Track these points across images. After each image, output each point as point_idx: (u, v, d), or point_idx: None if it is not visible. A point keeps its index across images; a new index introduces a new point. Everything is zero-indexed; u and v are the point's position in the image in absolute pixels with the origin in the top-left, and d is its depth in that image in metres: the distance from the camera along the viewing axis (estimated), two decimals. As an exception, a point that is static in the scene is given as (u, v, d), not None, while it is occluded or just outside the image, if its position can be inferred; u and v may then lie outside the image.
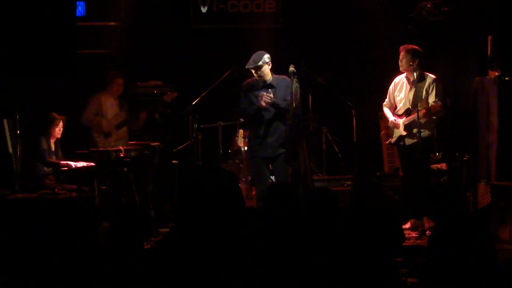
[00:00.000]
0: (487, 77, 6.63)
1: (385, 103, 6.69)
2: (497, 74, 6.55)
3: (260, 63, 6.36)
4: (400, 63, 6.47)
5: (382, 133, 6.67)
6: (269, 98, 6.29)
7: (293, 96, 6.24)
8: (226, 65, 7.29)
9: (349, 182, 7.26)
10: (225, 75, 7.09)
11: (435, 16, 7.48)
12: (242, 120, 7.69)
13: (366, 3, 8.22)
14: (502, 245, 5.62)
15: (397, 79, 6.60)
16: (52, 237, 5.40)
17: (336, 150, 7.80)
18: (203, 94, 6.96)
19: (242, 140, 7.51)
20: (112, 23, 8.21)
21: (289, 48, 8.02)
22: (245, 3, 8.64)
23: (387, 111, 6.66)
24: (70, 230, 5.50)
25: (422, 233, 6.12)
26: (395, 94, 6.60)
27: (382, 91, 8.08)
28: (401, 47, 6.49)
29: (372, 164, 7.79)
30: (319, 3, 8.40)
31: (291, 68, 6.32)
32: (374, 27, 8.12)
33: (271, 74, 6.45)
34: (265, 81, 6.44)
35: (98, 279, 3.33)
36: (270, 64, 6.42)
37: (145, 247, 3.74)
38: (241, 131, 7.55)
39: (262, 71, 6.38)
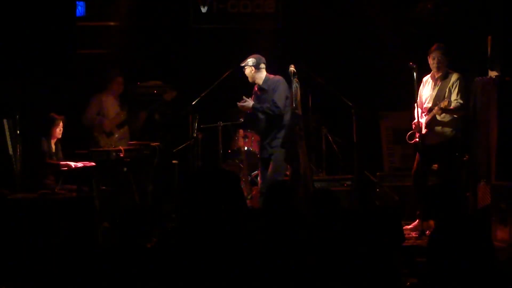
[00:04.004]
0: (487, 77, 6.63)
1: (416, 102, 6.50)
2: (497, 74, 6.55)
3: (243, 64, 6.63)
4: (432, 61, 6.42)
5: (408, 133, 6.62)
6: (240, 105, 6.57)
7: (293, 96, 6.27)
8: (226, 65, 7.28)
9: (349, 182, 7.26)
10: (225, 75, 7.09)
11: (435, 16, 7.48)
12: (242, 120, 7.70)
13: (366, 3, 8.22)
14: (502, 245, 5.62)
15: (425, 78, 6.57)
16: (52, 237, 5.41)
17: (336, 150, 7.79)
18: (203, 94, 6.96)
19: (242, 140, 7.50)
20: (112, 23, 8.21)
21: (289, 48, 8.02)
22: (245, 3, 8.63)
23: (416, 111, 6.49)
24: (70, 230, 5.50)
25: (422, 233, 6.11)
26: (422, 93, 6.56)
27: (382, 91, 8.11)
28: (434, 47, 6.42)
29: (372, 164, 7.79)
30: (319, 3, 8.39)
31: (291, 68, 6.34)
32: (374, 27, 8.13)
33: (266, 77, 6.59)
34: (258, 85, 6.65)
35: (98, 279, 3.33)
36: (254, 69, 6.60)
37: (148, 246, 3.74)
38: (241, 131, 7.54)
39: (246, 73, 6.63)
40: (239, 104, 6.61)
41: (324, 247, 3.36)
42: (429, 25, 7.50)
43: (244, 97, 6.60)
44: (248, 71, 6.61)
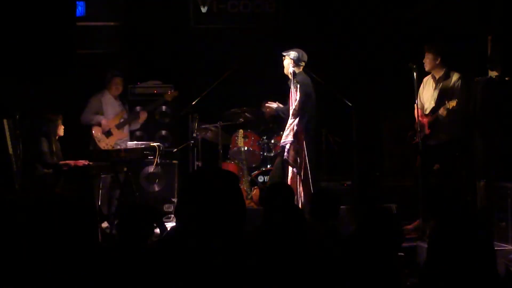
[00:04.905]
0: (487, 77, 6.63)
1: (416, 103, 6.46)
2: (497, 74, 6.55)
3: (284, 53, 6.51)
4: (424, 62, 6.44)
5: (409, 133, 6.62)
6: (266, 105, 6.76)
7: (293, 96, 6.27)
8: (226, 65, 7.29)
9: (349, 182, 7.26)
10: (225, 75, 7.10)
11: (435, 16, 7.48)
12: (241, 120, 7.70)
13: (366, 3, 8.22)
14: (502, 245, 5.63)
15: (425, 79, 6.57)
16: (52, 237, 5.40)
17: (336, 150, 7.79)
18: (203, 94, 6.97)
19: (242, 140, 7.50)
20: (112, 23, 8.22)
21: (289, 48, 8.02)
22: (245, 3, 8.64)
23: (416, 111, 6.45)
24: (70, 230, 5.49)
25: (422, 233, 6.10)
26: (423, 93, 6.56)
27: (382, 92, 8.11)
28: (424, 47, 6.43)
29: (372, 164, 7.79)
30: (319, 3, 8.39)
31: (291, 68, 6.33)
32: (374, 27, 8.13)
33: (296, 75, 6.41)
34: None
35: (98, 279, 3.33)
36: (293, 62, 6.41)
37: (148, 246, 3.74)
38: (241, 131, 7.54)
39: (284, 63, 6.51)
40: (266, 104, 6.78)
41: (324, 247, 3.36)
42: (429, 25, 7.50)
43: (268, 103, 6.75)
44: (286, 62, 6.50)
